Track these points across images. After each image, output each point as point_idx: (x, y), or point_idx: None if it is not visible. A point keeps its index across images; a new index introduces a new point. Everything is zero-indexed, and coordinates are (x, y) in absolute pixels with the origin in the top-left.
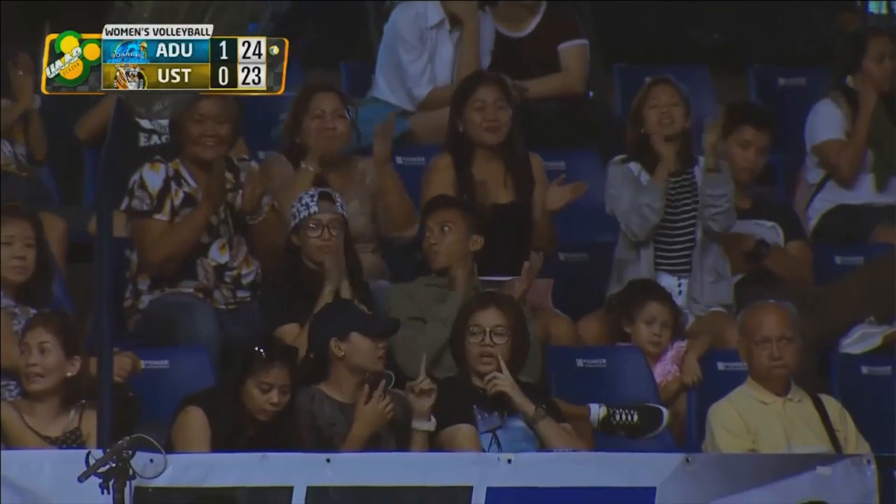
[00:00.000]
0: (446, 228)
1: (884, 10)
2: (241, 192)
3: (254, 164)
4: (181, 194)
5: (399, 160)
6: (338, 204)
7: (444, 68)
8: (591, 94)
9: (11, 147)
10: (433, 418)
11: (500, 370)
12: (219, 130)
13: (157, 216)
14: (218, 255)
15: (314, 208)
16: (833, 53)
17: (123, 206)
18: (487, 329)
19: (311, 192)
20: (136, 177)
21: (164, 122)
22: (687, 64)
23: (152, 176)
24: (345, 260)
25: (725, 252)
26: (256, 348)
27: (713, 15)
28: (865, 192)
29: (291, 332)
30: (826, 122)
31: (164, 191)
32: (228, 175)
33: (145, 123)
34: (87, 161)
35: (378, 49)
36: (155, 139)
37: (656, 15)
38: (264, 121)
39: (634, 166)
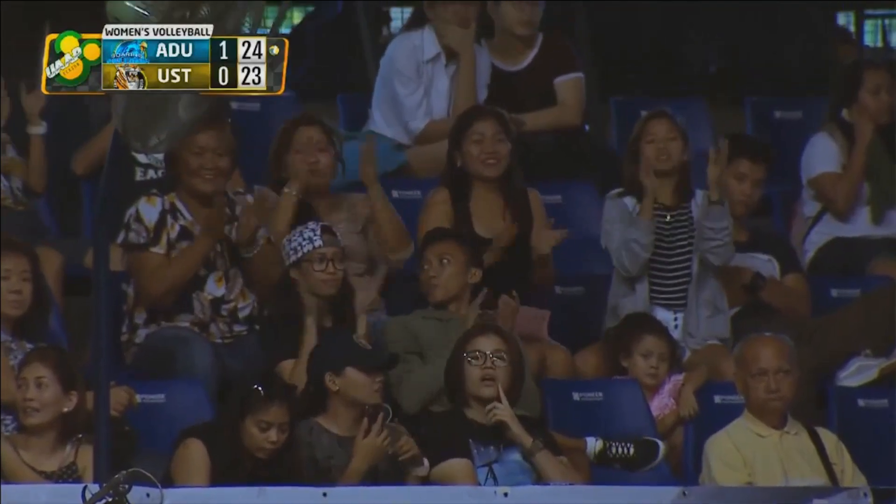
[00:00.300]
0: (445, 261)
1: (880, 43)
2: (236, 224)
3: (249, 197)
4: (177, 227)
5: (395, 194)
6: (339, 237)
7: (441, 101)
8: (587, 127)
9: (8, 181)
10: (426, 462)
11: (499, 399)
12: (218, 163)
13: (154, 249)
14: (214, 288)
15: (318, 242)
16: (829, 85)
17: (120, 240)
18: (489, 352)
19: (311, 226)
20: (132, 210)
21: (160, 156)
22: (683, 96)
23: (148, 209)
24: (343, 294)
25: (722, 285)
26: (255, 386)
27: (709, 46)
28: (862, 225)
29: (289, 368)
30: (822, 154)
31: (161, 224)
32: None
33: (141, 157)
34: (83, 195)
35: (374, 82)
36: (151, 173)
37: (652, 46)
38: (261, 153)
39: (629, 200)
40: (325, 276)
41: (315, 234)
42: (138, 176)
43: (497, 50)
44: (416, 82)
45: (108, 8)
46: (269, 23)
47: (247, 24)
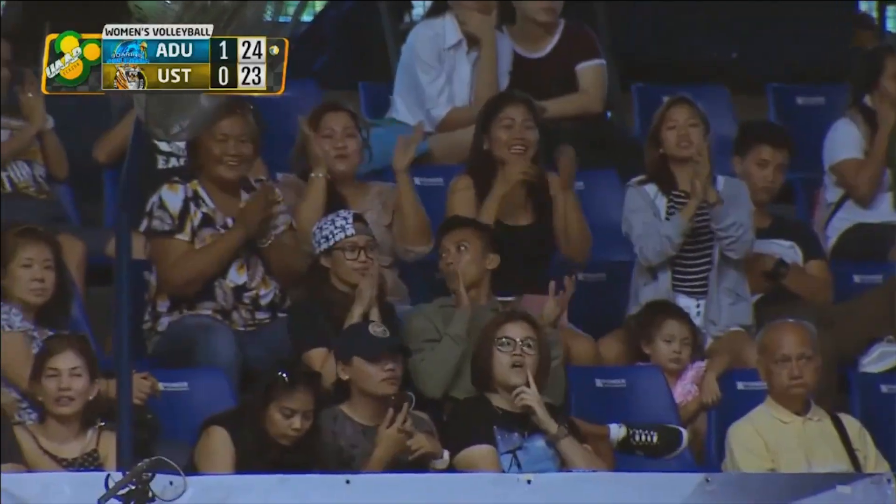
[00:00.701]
0: (462, 248)
1: None
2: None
3: (258, 186)
4: (199, 215)
5: (418, 181)
6: (370, 226)
7: (463, 89)
8: (609, 114)
9: (30, 168)
10: (445, 455)
11: (527, 384)
12: (241, 150)
13: (179, 236)
14: (236, 276)
15: (350, 231)
16: (851, 72)
17: (143, 228)
18: (518, 340)
19: (343, 215)
20: (154, 198)
21: (182, 144)
22: (705, 83)
23: (171, 197)
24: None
25: (744, 272)
26: (280, 373)
27: (731, 33)
28: (884, 211)
29: (320, 356)
30: (844, 141)
31: (184, 211)
32: (246, 196)
33: (163, 146)
34: (106, 183)
35: (396, 70)
36: (173, 161)
37: (674, 34)
38: (283, 141)
39: (651, 188)
40: (357, 265)
41: (347, 223)
42: (160, 164)
43: (518, 37)
44: (438, 70)
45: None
46: (291, 10)
47: (268, 13)
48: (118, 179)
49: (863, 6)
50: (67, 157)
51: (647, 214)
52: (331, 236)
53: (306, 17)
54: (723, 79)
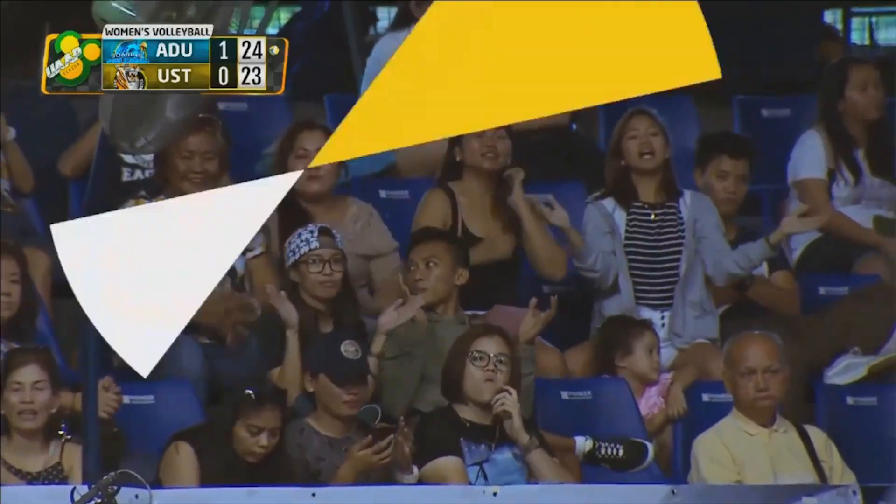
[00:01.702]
0: (431, 263)
1: (867, 41)
2: None
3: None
4: None
5: (383, 194)
6: (337, 239)
7: None
8: (574, 125)
9: None
10: (415, 470)
11: (508, 392)
12: (207, 167)
13: None
14: None
15: (315, 244)
16: (816, 84)
17: None
18: (492, 355)
19: (310, 228)
20: None
21: (148, 156)
22: (671, 95)
23: None
24: (344, 297)
25: (709, 284)
26: (246, 391)
27: None
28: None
29: (275, 375)
30: (810, 158)
31: None
32: None
33: (129, 158)
34: (71, 196)
35: (362, 82)
36: (138, 174)
37: None
38: (250, 155)
39: (609, 202)
40: (321, 278)
41: (312, 236)
42: (125, 176)
43: None
44: None
45: (94, 8)
46: (257, 23)
47: (234, 25)
48: (84, 192)
49: (828, 18)
50: (32, 170)
51: (602, 239)
52: (297, 250)
53: (272, 30)
54: (688, 91)
